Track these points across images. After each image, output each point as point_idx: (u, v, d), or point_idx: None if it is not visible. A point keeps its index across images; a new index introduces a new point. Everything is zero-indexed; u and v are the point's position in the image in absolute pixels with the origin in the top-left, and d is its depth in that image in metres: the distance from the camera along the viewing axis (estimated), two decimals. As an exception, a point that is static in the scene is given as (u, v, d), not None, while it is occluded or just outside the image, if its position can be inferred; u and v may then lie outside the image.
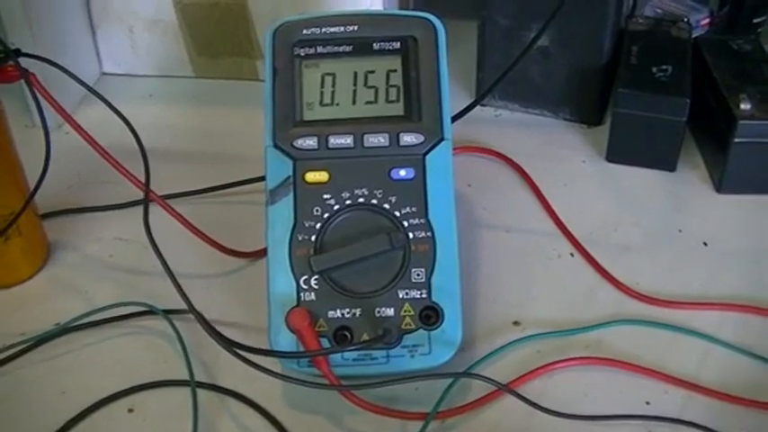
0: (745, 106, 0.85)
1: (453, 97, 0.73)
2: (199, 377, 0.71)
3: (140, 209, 0.73)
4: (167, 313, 0.75)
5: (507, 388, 0.68)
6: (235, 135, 0.96)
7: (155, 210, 0.74)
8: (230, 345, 0.66)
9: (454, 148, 0.72)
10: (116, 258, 0.83)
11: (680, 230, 0.84)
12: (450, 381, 0.69)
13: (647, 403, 0.69)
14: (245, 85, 1.05)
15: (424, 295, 0.68)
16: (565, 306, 0.77)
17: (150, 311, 0.76)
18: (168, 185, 0.84)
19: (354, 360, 0.68)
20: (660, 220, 0.85)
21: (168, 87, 1.06)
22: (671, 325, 0.75)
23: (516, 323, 0.75)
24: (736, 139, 0.85)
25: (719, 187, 0.88)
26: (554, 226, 0.85)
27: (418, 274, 0.69)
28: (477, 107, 0.93)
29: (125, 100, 0.76)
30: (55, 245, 0.84)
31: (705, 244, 0.83)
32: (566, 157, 0.93)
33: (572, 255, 0.82)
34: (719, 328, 0.75)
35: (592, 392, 0.70)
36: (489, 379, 0.68)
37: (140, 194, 0.74)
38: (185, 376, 0.71)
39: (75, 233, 0.85)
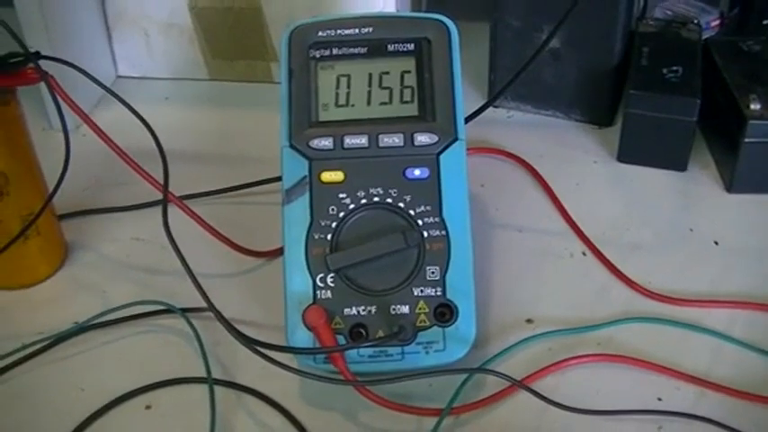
0: (754, 106, 0.85)
1: (466, 98, 0.74)
2: (216, 375, 0.72)
3: (157, 209, 0.73)
4: (185, 312, 0.76)
5: (521, 384, 0.69)
6: (250, 137, 0.97)
7: (171, 210, 0.74)
8: (248, 341, 0.67)
9: (467, 149, 0.72)
10: (133, 258, 0.84)
11: (691, 230, 0.85)
12: (464, 377, 0.70)
13: (659, 399, 0.70)
14: (260, 87, 1.06)
15: (438, 293, 0.69)
16: (577, 304, 0.78)
17: (167, 310, 0.77)
18: (184, 186, 0.85)
19: (370, 357, 0.69)
20: (671, 220, 0.86)
21: (183, 90, 1.07)
22: (682, 322, 0.76)
23: (529, 321, 0.76)
24: (747, 139, 0.86)
25: (730, 187, 0.89)
26: (566, 225, 0.85)
27: (433, 272, 0.69)
28: (490, 108, 0.94)
29: (140, 102, 0.77)
30: (72, 245, 0.85)
31: (716, 243, 0.83)
32: (577, 157, 0.94)
33: (584, 254, 0.83)
34: (731, 326, 0.75)
35: (603, 389, 0.70)
36: (503, 375, 0.69)
37: (157, 195, 0.75)
38: (203, 374, 0.72)
39: (93, 234, 0.86)
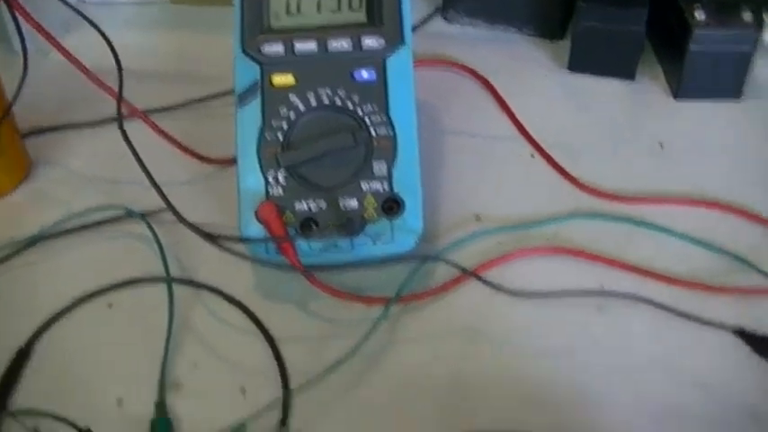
0: (699, 16, 0.88)
1: (421, 15, 0.75)
2: (175, 274, 0.75)
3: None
4: (144, 216, 0.78)
5: (469, 272, 0.72)
6: (209, 57, 0.98)
7: (132, 125, 0.77)
8: (202, 234, 0.69)
9: (423, 61, 0.74)
10: (96, 171, 0.85)
11: (638, 133, 0.87)
12: (413, 266, 0.73)
13: (602, 286, 0.72)
14: (220, 11, 1.07)
15: (385, 188, 0.72)
16: (525, 203, 0.80)
17: (128, 215, 0.79)
18: (144, 103, 0.86)
19: (320, 250, 0.71)
20: (619, 125, 0.89)
21: (146, 13, 1.08)
22: (627, 219, 0.79)
23: (478, 218, 0.79)
24: (692, 47, 0.88)
25: (676, 94, 0.91)
26: (516, 132, 0.88)
27: (380, 168, 0.72)
28: (444, 23, 0.97)
29: (104, 26, 0.79)
30: (37, 162, 0.87)
31: (661, 145, 0.86)
32: (529, 69, 0.96)
33: (532, 156, 0.85)
34: (674, 222, 0.78)
35: (548, 279, 0.73)
36: (453, 263, 0.72)
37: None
38: (162, 274, 0.74)
39: (57, 150, 0.88)
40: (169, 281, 0.73)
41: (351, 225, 0.70)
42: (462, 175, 0.83)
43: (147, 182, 0.74)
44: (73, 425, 0.63)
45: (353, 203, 0.72)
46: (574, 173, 0.83)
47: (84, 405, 0.67)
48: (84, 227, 0.79)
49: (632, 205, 0.80)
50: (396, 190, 0.72)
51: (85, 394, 0.69)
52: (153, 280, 0.75)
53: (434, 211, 0.78)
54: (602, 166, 0.83)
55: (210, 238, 0.70)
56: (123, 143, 0.74)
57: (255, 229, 0.71)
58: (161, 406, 0.67)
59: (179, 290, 0.74)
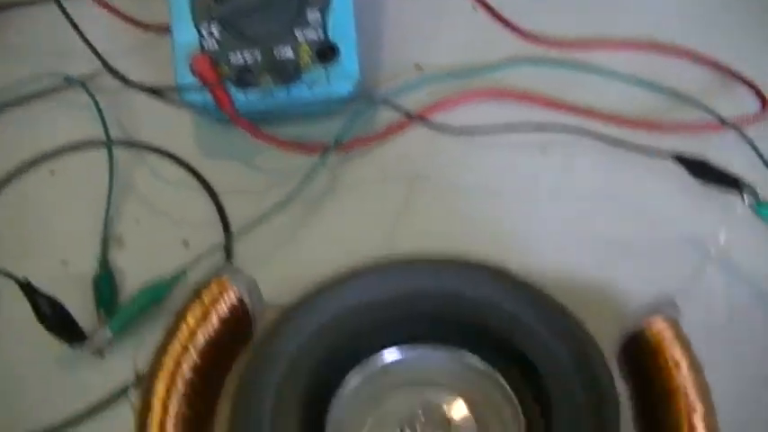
0: None
1: None
2: (116, 137, 0.74)
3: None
4: (84, 84, 0.77)
5: (413, 115, 0.72)
6: None
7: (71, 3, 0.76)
8: (142, 87, 0.70)
9: None
10: (35, 45, 0.84)
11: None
12: (354, 112, 0.73)
13: (545, 127, 0.72)
14: None
15: (320, 35, 0.71)
16: (466, 52, 0.79)
17: (67, 83, 0.78)
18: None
19: (257, 99, 0.71)
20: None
21: None
22: (572, 64, 0.78)
23: (418, 67, 0.78)
24: None
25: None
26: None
27: (314, 16, 0.71)
28: None
29: None
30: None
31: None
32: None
33: (474, 8, 0.84)
34: (619, 66, 0.77)
35: (493, 122, 0.73)
36: (396, 105, 0.72)
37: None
38: (103, 138, 0.74)
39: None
40: (109, 143, 0.73)
41: (285, 71, 0.69)
42: (402, 26, 0.81)
43: (86, 51, 0.74)
44: (9, 275, 0.62)
45: (288, 53, 0.71)
46: (516, 22, 0.81)
47: (29, 267, 0.66)
48: (25, 97, 0.78)
49: (576, 51, 0.79)
50: (330, 38, 0.71)
51: (31, 257, 0.70)
52: (93, 144, 0.75)
53: (374, 61, 0.77)
54: (545, 16, 0.82)
55: (150, 91, 0.70)
56: (62, 18, 0.73)
57: (191, 81, 0.70)
58: (103, 263, 0.67)
59: (121, 152, 0.74)
